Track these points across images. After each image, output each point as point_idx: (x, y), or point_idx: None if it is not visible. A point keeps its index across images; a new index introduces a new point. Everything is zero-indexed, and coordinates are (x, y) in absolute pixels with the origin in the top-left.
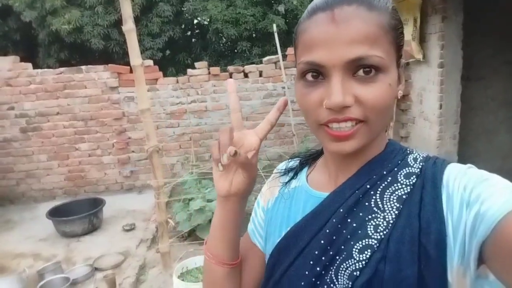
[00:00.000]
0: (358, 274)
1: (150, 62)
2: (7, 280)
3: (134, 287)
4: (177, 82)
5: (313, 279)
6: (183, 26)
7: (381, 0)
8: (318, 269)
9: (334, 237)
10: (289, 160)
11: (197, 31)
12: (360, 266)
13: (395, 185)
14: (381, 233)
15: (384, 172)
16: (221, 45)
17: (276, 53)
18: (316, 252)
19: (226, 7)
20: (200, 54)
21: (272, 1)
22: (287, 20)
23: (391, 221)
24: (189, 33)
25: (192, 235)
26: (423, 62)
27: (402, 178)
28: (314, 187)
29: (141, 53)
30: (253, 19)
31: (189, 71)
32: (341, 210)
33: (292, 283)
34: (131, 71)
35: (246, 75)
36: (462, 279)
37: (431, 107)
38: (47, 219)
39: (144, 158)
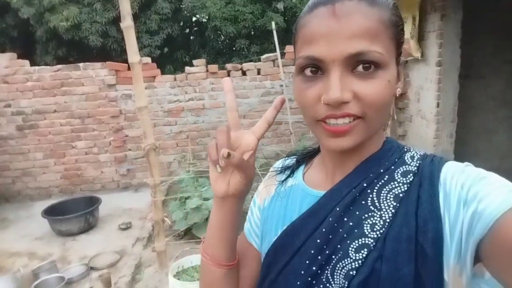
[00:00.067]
0: (354, 274)
1: (148, 60)
2: (2, 280)
3: (130, 286)
4: (175, 79)
5: (309, 279)
6: (181, 24)
7: None
8: (314, 268)
9: (331, 236)
10: (286, 158)
11: (195, 28)
12: (357, 265)
13: (392, 183)
14: (378, 232)
15: (381, 170)
16: (220, 42)
17: (274, 51)
18: (312, 251)
19: (225, 5)
20: (198, 52)
21: None
22: (286, 18)
23: (388, 220)
24: (187, 30)
25: (189, 234)
26: (421, 60)
27: (399, 176)
28: (311, 185)
29: (139, 50)
30: (251, 16)
31: (187, 68)
32: (338, 209)
33: (288, 282)
34: (128, 69)
35: (244, 73)
36: (458, 278)
37: (428, 105)
38: (42, 218)
39: (141, 156)
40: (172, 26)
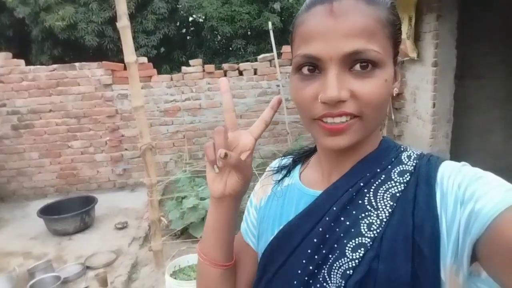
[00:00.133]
0: (351, 273)
1: (144, 59)
2: None
3: (126, 285)
4: (171, 79)
5: (306, 278)
6: (178, 24)
7: None
8: (311, 267)
9: (327, 236)
10: (282, 157)
11: (192, 28)
12: (353, 264)
13: (388, 183)
14: (375, 232)
15: (378, 170)
16: (216, 42)
17: (271, 51)
18: (309, 251)
19: (221, 5)
20: (195, 52)
21: None
22: (283, 18)
23: (385, 219)
24: (184, 30)
25: (185, 233)
26: (417, 60)
27: (396, 176)
28: (307, 185)
29: (136, 50)
30: (248, 16)
31: (184, 68)
32: (334, 208)
33: (285, 282)
34: (125, 68)
35: (240, 73)
36: (455, 277)
37: (424, 105)
38: (38, 217)
39: (137, 156)
40: (168, 26)
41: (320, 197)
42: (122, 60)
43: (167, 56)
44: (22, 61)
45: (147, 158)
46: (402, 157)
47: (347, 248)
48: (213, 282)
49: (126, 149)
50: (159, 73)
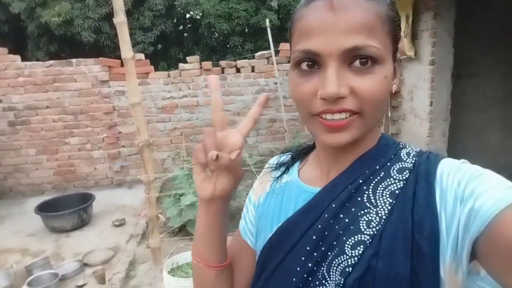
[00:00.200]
0: (350, 270)
1: (141, 56)
2: None
3: (124, 282)
4: (169, 76)
5: (305, 275)
6: (175, 20)
7: None
8: (310, 265)
9: (326, 233)
10: (281, 155)
11: (189, 25)
12: (353, 262)
13: (388, 180)
14: (374, 229)
15: (377, 167)
16: (213, 39)
17: (268, 48)
18: (308, 248)
19: (218, 2)
20: (192, 49)
21: None
22: (280, 16)
23: (384, 217)
24: (181, 27)
25: (183, 231)
26: (415, 59)
27: (395, 173)
28: (306, 182)
29: (133, 47)
30: (245, 14)
31: (181, 65)
32: (333, 205)
33: (283, 279)
34: (122, 65)
35: (238, 70)
36: (454, 275)
37: (421, 104)
38: (35, 214)
39: (134, 153)
40: (165, 22)
41: (319, 194)
42: (119, 57)
43: (164, 53)
44: (18, 57)
45: (144, 155)
46: (401, 154)
47: (346, 245)
48: (209, 283)
49: (123, 146)
50: (156, 70)
